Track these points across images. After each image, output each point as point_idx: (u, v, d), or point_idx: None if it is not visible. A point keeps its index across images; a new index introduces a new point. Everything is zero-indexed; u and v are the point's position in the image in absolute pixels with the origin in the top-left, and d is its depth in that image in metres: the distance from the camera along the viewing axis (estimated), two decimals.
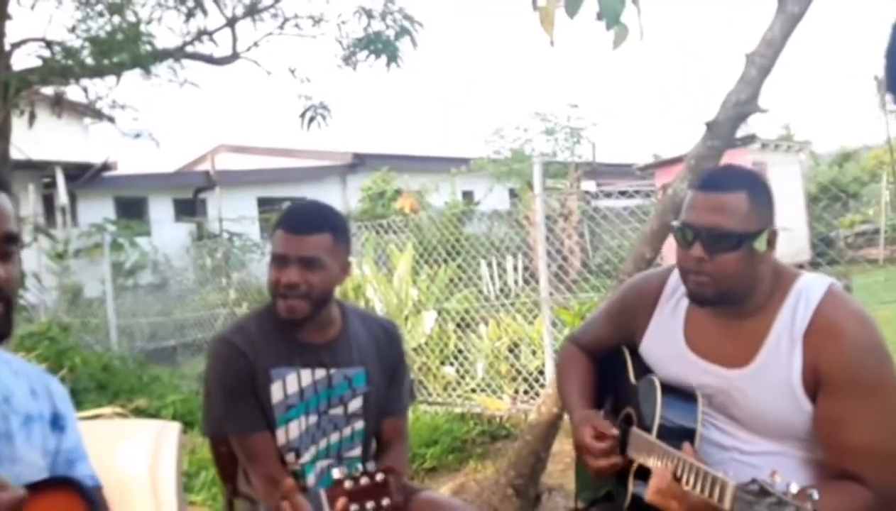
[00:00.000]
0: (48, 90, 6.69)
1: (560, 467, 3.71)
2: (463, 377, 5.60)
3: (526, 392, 5.18)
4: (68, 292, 9.86)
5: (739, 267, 1.56)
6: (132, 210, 13.15)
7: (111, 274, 8.86)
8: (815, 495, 1.22)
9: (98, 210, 12.40)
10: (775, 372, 1.58)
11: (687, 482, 1.41)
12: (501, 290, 6.19)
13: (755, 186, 1.59)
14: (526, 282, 6.21)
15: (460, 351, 5.70)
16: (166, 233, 12.30)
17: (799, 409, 1.56)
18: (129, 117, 7.22)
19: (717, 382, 1.66)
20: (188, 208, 13.86)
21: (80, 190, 12.49)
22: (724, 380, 1.65)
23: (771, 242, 1.59)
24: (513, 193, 14.21)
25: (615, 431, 1.70)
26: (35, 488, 1.25)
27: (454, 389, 5.58)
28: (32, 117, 6.46)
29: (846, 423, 1.49)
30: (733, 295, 1.59)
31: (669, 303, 1.78)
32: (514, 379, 5.32)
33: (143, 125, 10.99)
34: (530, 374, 5.19)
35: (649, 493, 1.46)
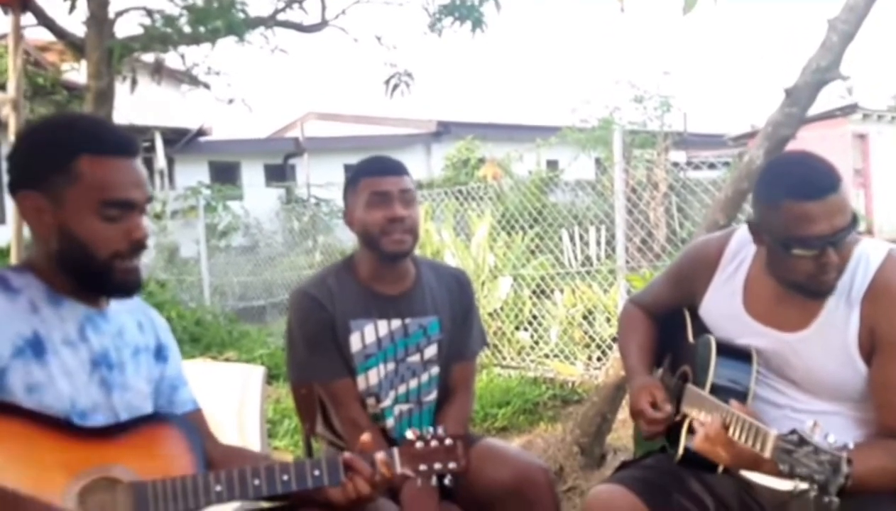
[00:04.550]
0: (148, 57, 6.98)
1: (627, 430, 3.75)
2: (537, 343, 5.67)
3: (599, 359, 5.21)
4: (165, 251, 10.35)
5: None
6: (225, 174, 13.63)
7: (205, 235, 9.26)
8: (851, 445, 1.25)
9: (194, 174, 12.90)
10: (832, 335, 1.60)
11: (733, 433, 1.46)
12: (583, 263, 6.18)
13: (838, 174, 1.57)
14: (607, 255, 6.19)
15: (535, 317, 5.76)
16: (257, 197, 12.69)
17: (854, 371, 1.58)
18: (223, 84, 7.46)
19: (774, 345, 1.69)
20: (278, 173, 14.28)
21: (177, 154, 12.99)
22: (781, 343, 1.67)
23: None
24: (599, 163, 14.00)
25: (669, 406, 1.76)
26: (138, 422, 1.42)
27: (528, 354, 5.66)
28: (134, 83, 6.78)
29: None
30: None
31: (730, 267, 1.80)
32: (587, 346, 5.36)
33: (236, 91, 11.34)
34: (603, 341, 5.21)
35: (697, 440, 1.52)
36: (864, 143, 14.56)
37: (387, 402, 2.05)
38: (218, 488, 1.32)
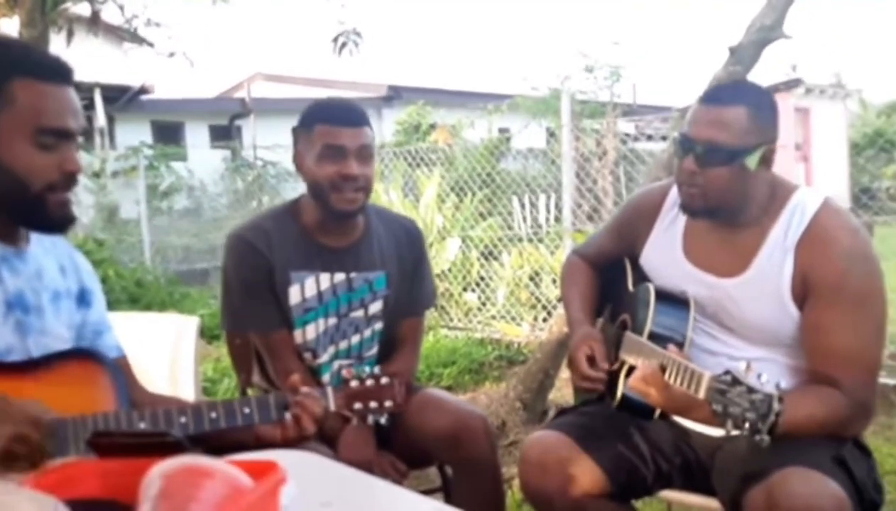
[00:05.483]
0: (85, 8, 6.73)
1: (570, 388, 3.78)
2: (484, 304, 5.69)
3: (544, 319, 5.25)
4: (104, 211, 10.08)
5: (730, 181, 1.58)
6: (169, 134, 13.28)
7: (146, 195, 9.03)
8: (783, 384, 1.27)
9: (135, 133, 12.54)
10: (767, 281, 1.61)
11: (669, 376, 1.47)
12: (535, 232, 6.20)
13: (758, 102, 1.59)
14: (557, 220, 6.22)
15: (482, 278, 5.77)
16: (202, 158, 12.42)
17: (787, 316, 1.60)
18: (164, 36, 7.24)
19: (711, 292, 1.70)
20: (224, 134, 13.96)
21: (117, 113, 12.63)
22: (718, 289, 1.68)
23: (766, 160, 1.60)
24: (550, 132, 14.04)
25: (606, 365, 1.76)
26: (59, 358, 1.35)
27: (475, 316, 5.67)
28: (70, 35, 6.54)
29: (829, 329, 1.53)
30: (724, 208, 1.63)
31: (669, 215, 1.81)
32: (533, 307, 5.40)
33: (178, 45, 11.03)
34: (549, 302, 5.25)
35: (633, 380, 1.52)
36: (807, 117, 14.87)
37: (324, 358, 1.97)
38: (142, 425, 1.27)
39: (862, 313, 1.53)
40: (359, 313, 1.98)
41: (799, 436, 1.44)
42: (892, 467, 3.01)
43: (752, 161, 1.57)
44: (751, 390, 1.26)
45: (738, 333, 1.69)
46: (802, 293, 1.58)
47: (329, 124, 1.86)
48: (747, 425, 1.25)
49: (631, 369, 1.70)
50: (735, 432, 1.29)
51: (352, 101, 1.98)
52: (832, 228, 1.57)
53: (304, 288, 1.93)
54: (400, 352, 2.05)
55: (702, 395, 1.36)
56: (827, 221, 1.58)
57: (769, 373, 1.42)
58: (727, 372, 1.31)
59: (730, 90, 1.63)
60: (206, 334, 5.46)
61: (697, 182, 1.60)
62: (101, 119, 11.78)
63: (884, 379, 3.94)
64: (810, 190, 1.66)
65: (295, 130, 1.96)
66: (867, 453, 1.58)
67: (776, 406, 1.24)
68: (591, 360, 1.77)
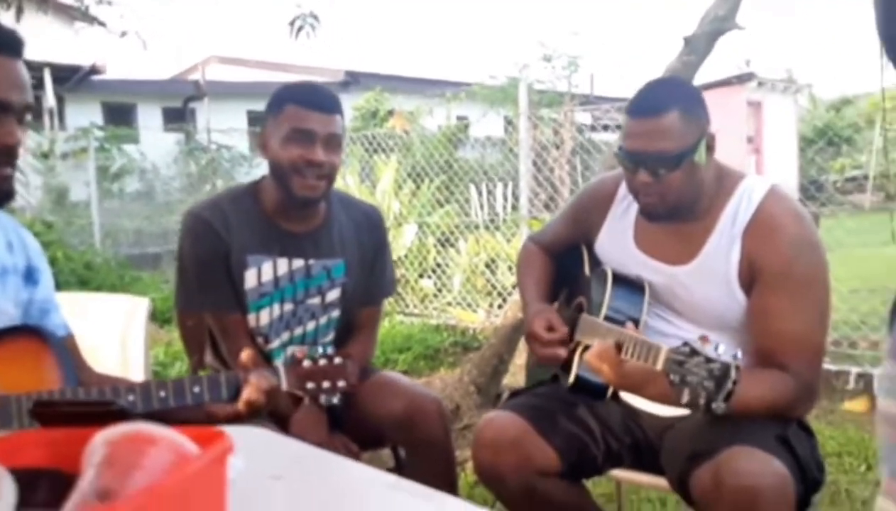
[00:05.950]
0: None
1: (524, 374, 3.82)
2: (440, 290, 5.70)
3: (500, 306, 5.28)
4: (53, 193, 9.84)
5: (684, 182, 1.61)
6: (120, 116, 13.01)
7: (96, 177, 8.83)
8: (739, 354, 1.29)
9: (86, 114, 12.26)
10: (715, 267, 1.64)
11: (626, 352, 1.48)
12: (492, 220, 6.22)
13: (684, 100, 1.61)
14: (514, 209, 6.25)
15: (439, 265, 5.78)
16: (154, 141, 12.19)
17: (734, 301, 1.63)
18: (116, 16, 7.07)
19: (662, 279, 1.73)
20: (177, 117, 13.70)
21: (68, 93, 12.33)
22: (669, 276, 1.72)
23: (710, 147, 1.63)
24: (508, 121, 14.09)
25: (565, 328, 1.77)
26: (4, 334, 1.32)
27: (431, 302, 5.68)
28: (20, 12, 6.35)
29: (776, 314, 1.56)
30: (682, 207, 1.65)
31: (622, 204, 1.83)
32: (489, 294, 5.43)
33: (130, 24, 10.79)
34: (505, 289, 5.29)
35: (588, 355, 1.53)
36: (759, 110, 15.15)
37: (276, 343, 1.95)
38: None
39: (807, 299, 1.57)
40: (315, 300, 1.95)
41: (748, 416, 1.47)
42: (834, 449, 3.10)
43: (699, 155, 1.60)
44: (708, 360, 1.28)
45: (688, 317, 1.72)
46: (749, 279, 1.61)
47: (300, 106, 1.81)
48: (704, 394, 1.27)
49: (587, 350, 1.72)
50: (687, 406, 1.31)
51: (326, 86, 1.93)
52: (778, 215, 1.60)
53: (261, 272, 1.89)
54: (356, 338, 2.03)
55: (660, 366, 1.37)
56: (773, 208, 1.62)
57: None
58: (685, 343, 1.33)
59: (656, 98, 1.62)
60: (157, 318, 5.38)
61: (653, 191, 1.63)
62: (50, 99, 11.49)
63: (827, 365, 4.06)
64: (757, 177, 1.70)
65: (266, 111, 1.90)
66: (810, 434, 1.62)
67: (733, 374, 1.26)
68: (550, 329, 1.78)
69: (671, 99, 1.60)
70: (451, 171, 6.18)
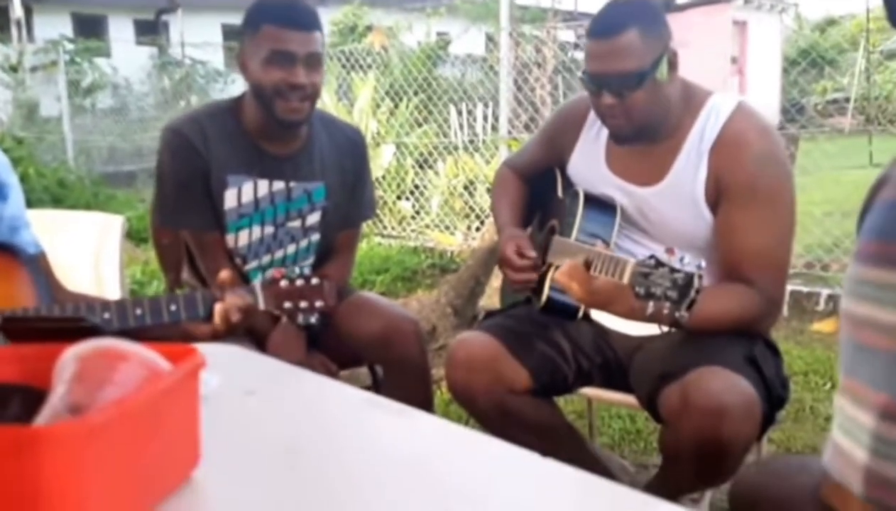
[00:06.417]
0: None
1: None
2: (418, 212, 5.69)
3: (478, 229, 5.30)
4: (23, 107, 9.59)
5: (649, 100, 1.60)
6: (90, 28, 12.61)
7: (67, 92, 8.60)
8: (703, 264, 1.30)
9: (55, 25, 11.88)
10: (683, 187, 1.65)
11: (595, 269, 1.49)
12: (471, 141, 6.16)
13: (642, 17, 1.59)
14: (494, 130, 6.18)
15: (417, 186, 5.75)
16: (126, 55, 11.86)
17: (702, 220, 1.65)
18: None
19: (632, 200, 1.74)
20: (149, 30, 13.32)
21: (35, 3, 11.91)
22: (638, 197, 1.73)
23: (672, 64, 1.62)
24: (489, 38, 13.80)
25: (534, 253, 1.78)
26: None
27: (409, 224, 5.68)
28: None
29: (741, 230, 1.58)
30: (650, 126, 1.65)
31: (595, 126, 1.82)
32: (467, 216, 5.43)
33: None
34: (483, 211, 5.29)
35: (557, 274, 1.54)
36: (744, 29, 14.96)
37: (253, 264, 1.94)
38: None
39: (772, 214, 1.59)
40: (296, 223, 1.94)
41: (714, 331, 1.50)
42: (801, 368, 3.19)
43: (661, 73, 1.59)
44: (673, 270, 1.29)
45: (657, 237, 1.73)
46: (715, 196, 1.62)
47: (277, 26, 1.75)
48: (668, 305, 1.29)
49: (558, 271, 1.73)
50: (651, 320, 1.32)
51: (301, 2, 1.83)
52: (743, 131, 1.61)
53: (241, 193, 1.87)
54: (334, 259, 2.03)
55: (626, 280, 1.37)
56: (739, 124, 1.62)
57: None
58: (651, 256, 1.34)
59: (614, 18, 1.60)
60: (133, 237, 5.33)
61: (618, 113, 1.62)
62: (17, 10, 11.09)
63: (799, 286, 4.13)
64: (725, 94, 1.69)
65: (241, 27, 1.84)
66: (777, 353, 1.65)
67: (696, 283, 1.27)
68: (521, 255, 1.79)
69: (629, 18, 1.58)
70: (430, 90, 6.08)
